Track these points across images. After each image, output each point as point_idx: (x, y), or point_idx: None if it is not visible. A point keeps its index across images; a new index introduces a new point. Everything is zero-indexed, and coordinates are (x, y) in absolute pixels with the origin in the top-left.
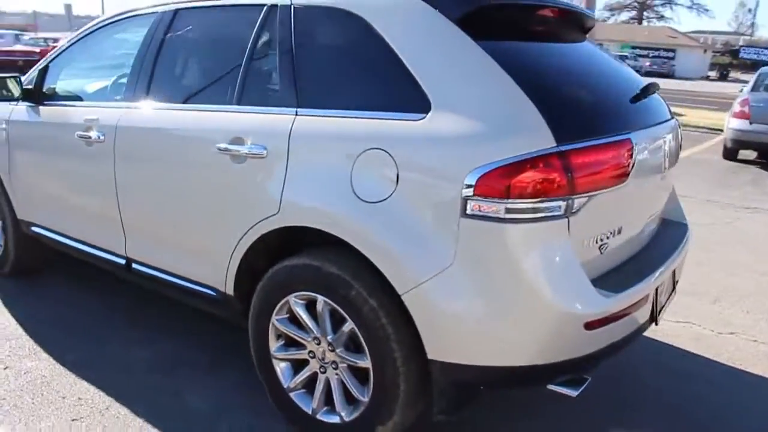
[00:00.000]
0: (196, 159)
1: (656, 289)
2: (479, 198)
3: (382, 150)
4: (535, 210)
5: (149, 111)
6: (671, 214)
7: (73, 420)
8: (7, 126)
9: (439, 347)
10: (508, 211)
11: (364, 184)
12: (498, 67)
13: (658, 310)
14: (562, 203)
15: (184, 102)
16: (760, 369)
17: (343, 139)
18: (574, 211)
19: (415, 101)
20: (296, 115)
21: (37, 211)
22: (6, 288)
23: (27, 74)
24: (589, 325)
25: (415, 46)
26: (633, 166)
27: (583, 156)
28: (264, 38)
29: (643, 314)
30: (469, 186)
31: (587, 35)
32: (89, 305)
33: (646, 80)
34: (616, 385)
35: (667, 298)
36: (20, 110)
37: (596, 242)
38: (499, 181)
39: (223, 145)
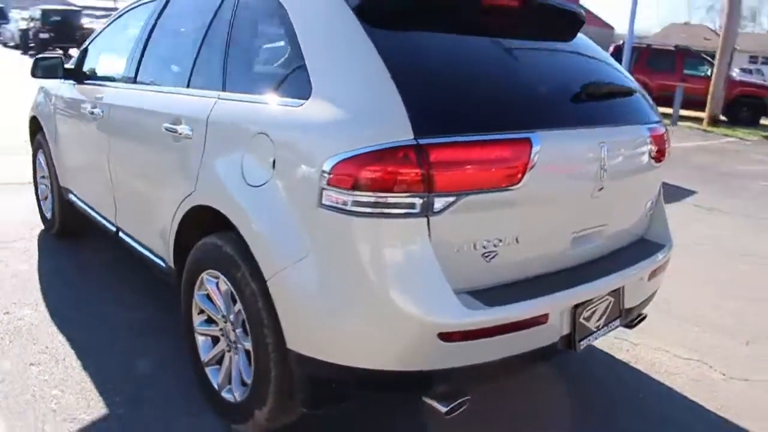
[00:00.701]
0: (151, 137)
1: (574, 311)
2: (332, 188)
3: (265, 135)
4: (384, 204)
5: (128, 91)
6: (652, 234)
7: (30, 364)
8: (54, 100)
9: (296, 338)
10: (355, 203)
11: (250, 168)
12: (376, 57)
13: (584, 335)
14: (419, 200)
15: (152, 84)
16: None
17: (241, 123)
18: (436, 210)
19: (301, 87)
20: (218, 99)
21: (70, 179)
22: (50, 244)
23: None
24: (445, 337)
25: (312, 33)
26: (531, 169)
27: (446, 151)
28: (215, 24)
29: (542, 335)
30: (324, 175)
31: (572, 29)
32: (108, 270)
33: (620, 80)
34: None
35: (607, 323)
36: (64, 87)
37: (476, 249)
38: (348, 172)
39: (167, 125)
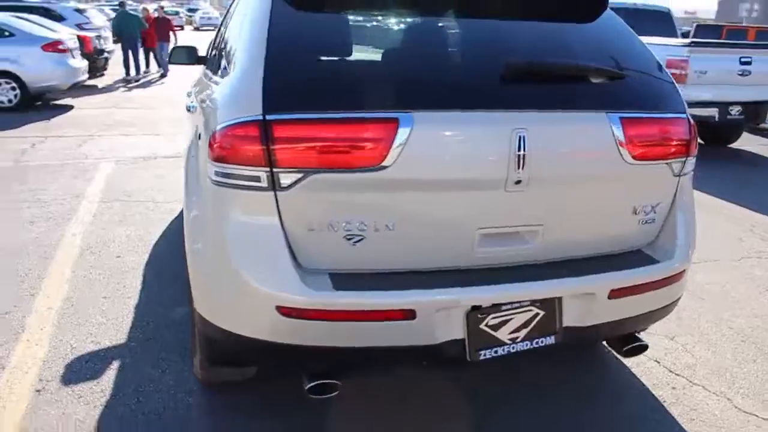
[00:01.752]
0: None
1: (469, 315)
2: (210, 159)
3: (201, 109)
4: (233, 176)
5: (200, 81)
6: (654, 246)
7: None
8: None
9: (197, 300)
10: (215, 173)
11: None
12: (263, 38)
13: (485, 344)
14: (264, 174)
15: (212, 72)
16: None
17: (205, 104)
18: (283, 186)
19: (226, 67)
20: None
21: None
22: None
23: None
24: (284, 311)
25: (246, 17)
26: (401, 151)
27: (293, 128)
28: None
29: (410, 333)
30: (210, 147)
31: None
32: None
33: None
34: None
35: (532, 338)
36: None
37: (335, 230)
38: (212, 145)
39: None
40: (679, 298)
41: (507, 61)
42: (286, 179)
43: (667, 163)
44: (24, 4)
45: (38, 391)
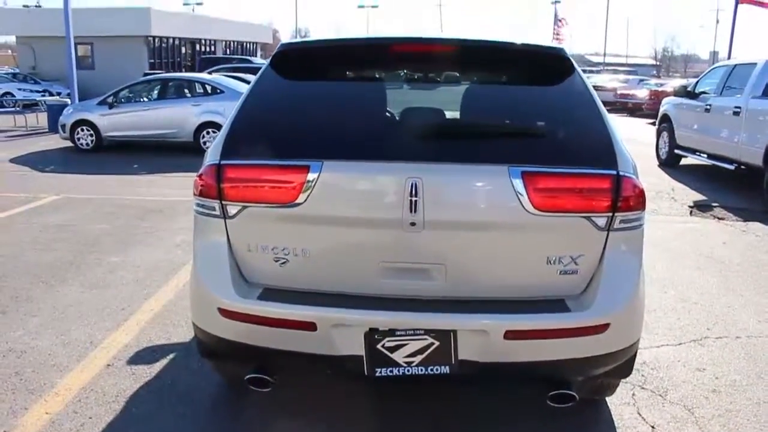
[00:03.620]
0: None
1: (368, 336)
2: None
3: None
4: (202, 206)
5: None
6: (575, 299)
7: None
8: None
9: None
10: (196, 204)
11: None
12: (243, 98)
13: (383, 364)
14: (217, 205)
15: None
16: None
17: None
18: (230, 215)
19: None
20: None
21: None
22: None
23: None
24: (222, 312)
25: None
26: (311, 192)
27: (236, 171)
28: None
29: (313, 342)
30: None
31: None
32: None
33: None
34: None
35: (427, 365)
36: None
37: (266, 252)
38: (195, 183)
39: None
40: (619, 352)
41: (407, 118)
42: (232, 209)
43: (584, 217)
44: (253, 65)
45: (108, 365)
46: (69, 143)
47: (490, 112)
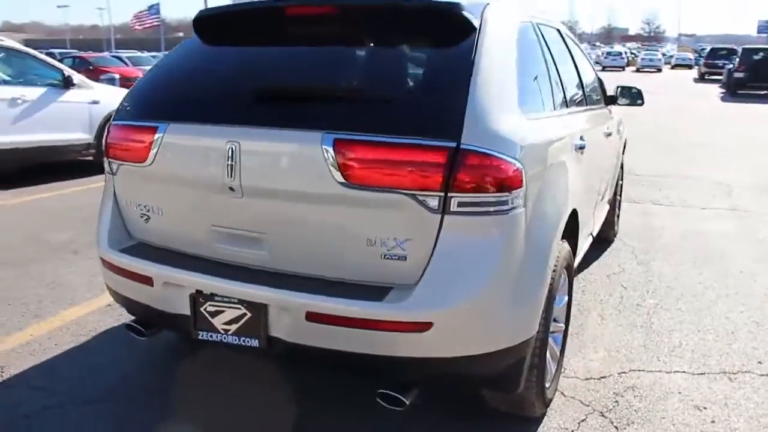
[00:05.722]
0: None
1: (194, 298)
2: None
3: None
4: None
5: None
6: (404, 289)
7: None
8: None
9: None
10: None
11: None
12: (163, 62)
13: (204, 327)
14: (107, 163)
15: None
16: None
17: None
18: (113, 171)
19: None
20: None
21: None
22: None
23: None
24: (102, 261)
25: None
26: (157, 152)
27: (113, 131)
28: None
29: (153, 297)
30: None
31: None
32: None
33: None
34: None
35: (239, 335)
36: None
37: (135, 208)
38: None
39: None
40: (455, 360)
41: (250, 82)
42: (114, 167)
43: (409, 195)
44: None
45: (108, 305)
46: None
47: (332, 76)
